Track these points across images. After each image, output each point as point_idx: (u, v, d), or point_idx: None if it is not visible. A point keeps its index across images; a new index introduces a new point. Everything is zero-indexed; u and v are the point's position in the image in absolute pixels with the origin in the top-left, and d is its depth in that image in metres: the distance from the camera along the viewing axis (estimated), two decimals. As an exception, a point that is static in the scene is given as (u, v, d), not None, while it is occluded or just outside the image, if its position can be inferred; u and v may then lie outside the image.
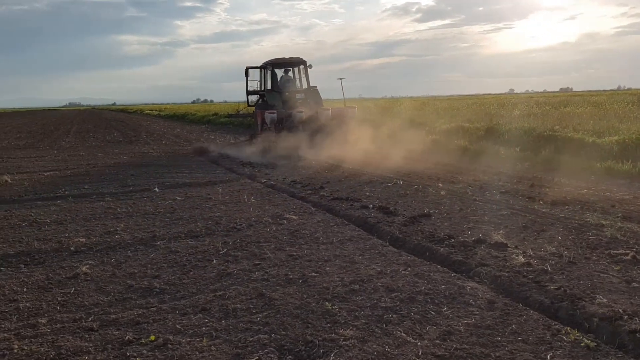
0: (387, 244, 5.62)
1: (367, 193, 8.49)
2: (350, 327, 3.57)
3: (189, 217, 7.07)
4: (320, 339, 3.42)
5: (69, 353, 3.33)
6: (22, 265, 5.15)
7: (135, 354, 3.28)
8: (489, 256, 5.04)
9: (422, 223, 6.41)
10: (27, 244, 5.90)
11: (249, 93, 17.65)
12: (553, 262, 4.84)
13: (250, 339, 3.45)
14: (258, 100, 17.69)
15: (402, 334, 3.47)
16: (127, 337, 3.50)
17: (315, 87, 16.83)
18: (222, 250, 5.47)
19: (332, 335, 3.46)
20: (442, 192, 8.23)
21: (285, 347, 3.34)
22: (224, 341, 3.44)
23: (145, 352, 3.31)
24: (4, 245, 5.83)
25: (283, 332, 3.54)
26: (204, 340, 3.44)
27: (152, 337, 3.48)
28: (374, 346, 3.31)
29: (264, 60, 17.12)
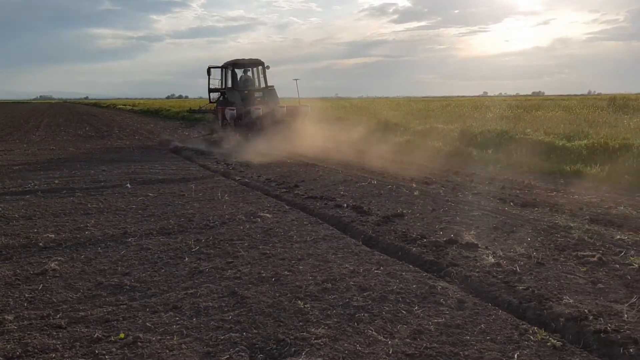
0: (361, 243, 5.65)
1: (342, 192, 8.52)
2: (322, 326, 3.59)
3: (161, 213, 7.00)
4: (291, 337, 3.42)
5: (36, 350, 3.27)
6: (-12, 261, 5.03)
7: (104, 352, 3.24)
8: (460, 256, 5.11)
9: (395, 223, 6.46)
10: (-7, 239, 5.77)
11: (210, 91, 18.92)
12: (522, 262, 4.93)
13: (222, 338, 3.43)
14: (219, 98, 18.72)
15: (373, 332, 3.50)
16: (96, 335, 3.45)
17: (272, 86, 18.05)
18: (195, 248, 5.43)
19: (304, 333, 3.47)
20: (416, 193, 8.30)
21: (257, 345, 3.34)
22: (195, 339, 3.42)
23: (114, 350, 3.27)
24: (-30, 241, 5.69)
25: (255, 331, 3.53)
26: (175, 339, 3.42)
27: (122, 335, 3.44)
28: (345, 345, 3.33)
29: (230, 59, 18.12)
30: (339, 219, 6.67)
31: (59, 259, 5.08)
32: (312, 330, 3.52)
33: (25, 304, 4.02)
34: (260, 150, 14.27)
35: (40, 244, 5.59)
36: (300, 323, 3.65)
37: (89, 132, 23.76)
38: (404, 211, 7.04)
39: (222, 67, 18.19)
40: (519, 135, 13.22)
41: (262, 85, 18.17)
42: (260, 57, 18.14)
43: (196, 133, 21.45)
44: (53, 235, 5.88)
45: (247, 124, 16.34)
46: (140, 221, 6.59)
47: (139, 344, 3.34)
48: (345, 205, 7.45)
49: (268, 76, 18.25)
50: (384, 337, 3.44)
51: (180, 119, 35.32)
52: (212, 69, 18.21)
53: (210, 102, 19.71)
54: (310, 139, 15.48)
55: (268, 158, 13.01)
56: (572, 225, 6.22)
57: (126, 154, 14.18)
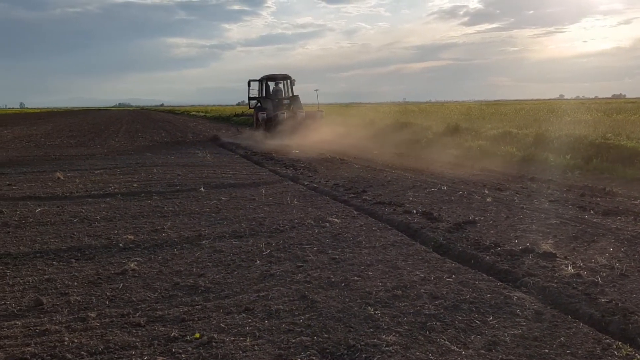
0: (431, 250, 5.55)
1: (411, 198, 8.41)
2: (393, 333, 3.55)
3: (234, 217, 7.17)
4: (362, 343, 3.40)
5: (117, 347, 3.42)
6: (73, 260, 5.33)
7: (180, 351, 3.34)
8: (536, 266, 4.92)
9: (467, 230, 6.31)
10: (78, 239, 6.10)
11: (250, 99, 22.98)
12: (604, 274, 4.68)
13: (293, 341, 3.47)
14: (256, 104, 22.71)
15: (446, 342, 3.42)
16: (173, 334, 3.58)
17: (297, 95, 22.26)
18: (266, 251, 5.52)
19: (375, 340, 3.45)
20: (488, 199, 8.08)
21: (327, 350, 3.34)
22: (267, 342, 3.47)
23: (190, 349, 3.37)
24: (56, 240, 6.05)
25: (325, 335, 3.54)
26: (248, 340, 3.48)
27: (197, 335, 3.55)
28: (417, 353, 3.27)
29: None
30: (409, 225, 6.59)
31: (138, 259, 5.31)
32: (383, 337, 3.49)
33: (107, 302, 4.22)
34: (279, 143, 18.21)
35: (121, 244, 5.86)
36: (371, 329, 3.62)
37: (165, 137, 24.72)
38: (476, 218, 6.86)
39: (259, 81, 22.35)
40: (598, 140, 12.59)
41: (290, 94, 22.36)
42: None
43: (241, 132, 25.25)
44: (132, 237, 6.15)
45: (274, 125, 20.25)
46: (214, 224, 6.77)
47: (214, 344, 3.43)
48: (414, 211, 7.35)
49: (295, 87, 22.66)
50: (457, 347, 3.36)
51: (251, 125, 36.06)
52: (251, 82, 22.31)
53: (250, 108, 23.78)
54: (327, 136, 19.40)
55: (310, 150, 16.17)
56: (659, 235, 5.85)
57: (199, 159, 14.64)
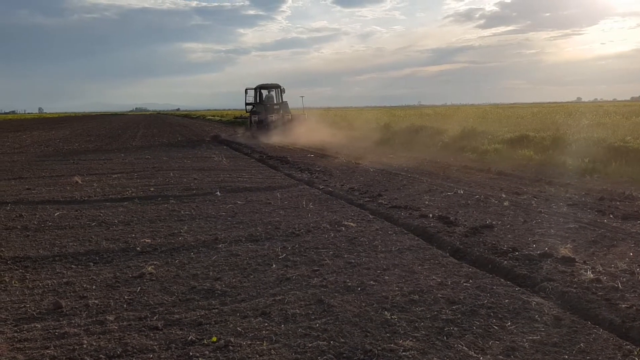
0: (448, 254, 5.52)
1: (427, 202, 8.37)
2: (410, 338, 3.52)
3: (249, 221, 7.19)
4: (379, 348, 3.39)
5: (135, 350, 3.44)
6: (92, 264, 5.38)
7: (198, 355, 3.36)
8: (555, 271, 4.86)
9: (484, 234, 6.26)
10: (96, 243, 6.16)
11: (246, 104, 26.87)
12: (624, 279, 4.61)
13: (309, 345, 3.46)
14: (252, 109, 26.55)
15: (464, 347, 3.39)
16: (190, 338, 3.59)
17: (286, 101, 26.48)
18: (282, 255, 5.53)
19: (392, 345, 3.43)
20: (505, 203, 8.01)
21: (344, 354, 3.33)
22: (284, 346, 3.47)
23: (207, 352, 3.38)
24: (75, 244, 6.12)
25: (342, 340, 3.53)
26: (264, 344, 3.49)
27: (214, 339, 3.56)
28: (435, 359, 3.25)
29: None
30: (425, 229, 6.56)
31: (155, 263, 5.35)
32: (400, 342, 3.47)
33: (125, 306, 4.25)
34: (271, 140, 22.75)
35: (138, 248, 5.91)
36: (388, 334, 3.61)
37: (181, 142, 24.90)
38: (494, 222, 6.80)
39: (254, 89, 26.47)
40: (617, 144, 12.42)
41: (280, 101, 26.36)
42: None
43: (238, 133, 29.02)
44: (149, 240, 6.19)
45: (265, 126, 24.51)
46: (230, 228, 6.80)
47: (230, 347, 3.44)
48: (430, 215, 7.31)
49: (285, 94, 26.92)
50: (475, 352, 3.33)
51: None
52: (248, 90, 26.46)
53: (246, 112, 27.57)
54: (310, 136, 22.34)
55: (281, 144, 20.68)
56: (681, 240, 5.75)
57: (215, 163, 14.72)
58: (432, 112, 39.18)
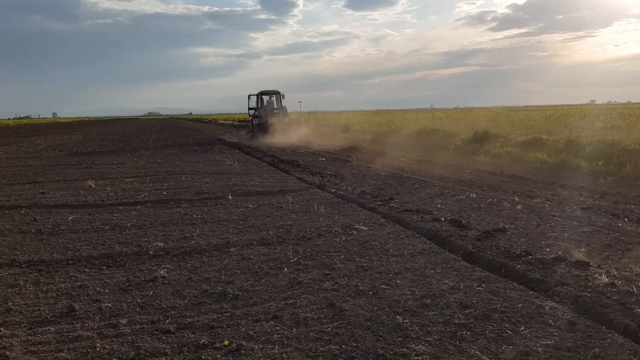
0: (460, 258, 5.48)
1: (439, 205, 8.33)
2: (423, 343, 3.51)
3: (261, 224, 7.20)
4: (391, 352, 3.37)
5: (148, 354, 3.45)
6: (105, 267, 5.42)
7: (210, 358, 3.36)
8: (569, 275, 4.81)
9: (497, 238, 6.22)
10: (109, 246, 6.21)
11: (249, 109, 29.60)
12: (639, 283, 4.56)
13: (321, 349, 3.45)
14: (254, 113, 29.26)
15: (477, 352, 3.36)
16: (202, 341, 3.60)
17: (285, 106, 28.89)
18: (293, 259, 5.53)
19: (404, 349, 3.41)
20: (518, 207, 7.95)
21: (356, 359, 3.32)
22: (295, 349, 3.46)
23: (219, 356, 3.39)
24: (88, 248, 6.16)
25: (353, 344, 3.52)
26: (276, 348, 3.48)
27: (226, 342, 3.56)
28: (447, 363, 3.23)
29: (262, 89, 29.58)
30: (437, 233, 6.53)
31: (168, 266, 5.37)
32: (412, 346, 3.45)
33: (138, 309, 4.27)
34: (270, 140, 25.03)
35: (151, 252, 5.94)
36: (400, 338, 3.59)
37: (193, 146, 25.02)
38: (506, 226, 6.76)
39: (256, 95, 29.07)
40: (632, 146, 12.29)
41: (279, 105, 28.79)
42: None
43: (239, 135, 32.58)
44: (162, 244, 6.22)
45: (265, 129, 27.02)
46: (242, 232, 6.82)
47: (242, 351, 3.44)
48: (442, 218, 7.28)
49: (285, 99, 29.58)
50: (488, 357, 3.30)
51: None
52: (250, 96, 29.23)
53: (249, 116, 30.75)
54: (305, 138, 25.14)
55: (281, 145, 23.02)
56: (698, 244, 5.67)
57: (227, 167, 14.77)
58: (444, 115, 39.04)
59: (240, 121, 54.01)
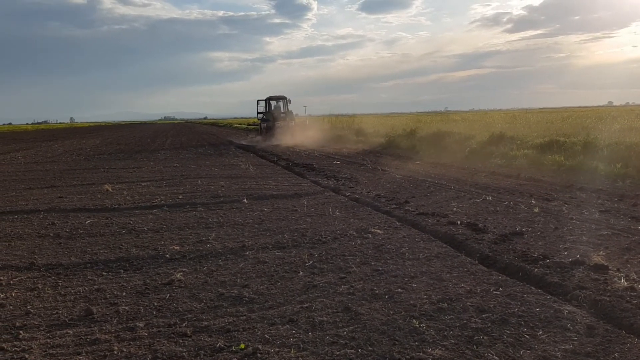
0: (477, 262, 5.44)
1: (454, 208, 8.28)
2: (439, 347, 3.48)
3: (276, 228, 7.21)
4: (407, 357, 3.36)
5: (165, 357, 3.48)
6: (122, 271, 5.47)
7: (226, 361, 3.37)
8: (588, 279, 4.75)
9: (514, 241, 6.16)
10: (126, 250, 6.26)
11: (258, 113, 32.17)
12: (661, 288, 4.48)
13: (337, 353, 3.45)
14: (262, 117, 31.69)
15: (494, 357, 3.33)
16: (218, 344, 3.61)
17: (291, 110, 30.96)
18: (308, 262, 5.53)
19: (420, 354, 3.39)
20: (536, 210, 7.87)
21: (372, 363, 3.31)
22: (311, 353, 3.46)
23: (235, 360, 3.40)
24: (106, 251, 6.22)
25: (370, 348, 3.51)
26: (292, 352, 3.48)
27: (242, 346, 3.57)
28: (464, 368, 3.20)
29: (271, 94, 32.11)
30: (453, 237, 6.49)
31: (184, 270, 5.40)
32: (429, 350, 3.43)
33: (154, 312, 4.30)
34: (277, 142, 27.08)
35: (167, 255, 5.98)
36: (416, 343, 3.57)
37: (208, 150, 25.16)
38: (523, 229, 6.70)
39: (264, 100, 31.31)
40: (652, 148, 12.12)
41: (285, 110, 30.99)
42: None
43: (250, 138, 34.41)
44: (178, 248, 6.26)
45: (272, 131, 29.07)
46: (257, 235, 6.84)
47: (259, 355, 3.44)
48: (458, 222, 7.23)
49: (292, 104, 31.77)
50: (505, 362, 3.27)
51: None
52: (259, 101, 31.49)
53: (258, 119, 33.63)
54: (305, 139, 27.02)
55: (295, 147, 24.15)
56: None
57: (242, 171, 14.83)
58: (460, 117, 38.83)
59: (248, 124, 58.26)
